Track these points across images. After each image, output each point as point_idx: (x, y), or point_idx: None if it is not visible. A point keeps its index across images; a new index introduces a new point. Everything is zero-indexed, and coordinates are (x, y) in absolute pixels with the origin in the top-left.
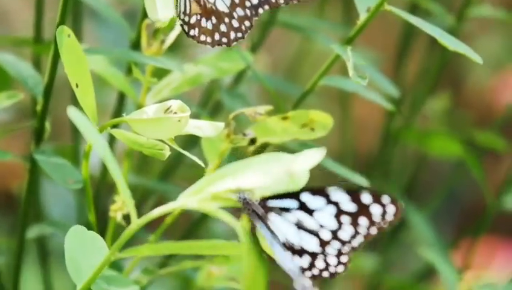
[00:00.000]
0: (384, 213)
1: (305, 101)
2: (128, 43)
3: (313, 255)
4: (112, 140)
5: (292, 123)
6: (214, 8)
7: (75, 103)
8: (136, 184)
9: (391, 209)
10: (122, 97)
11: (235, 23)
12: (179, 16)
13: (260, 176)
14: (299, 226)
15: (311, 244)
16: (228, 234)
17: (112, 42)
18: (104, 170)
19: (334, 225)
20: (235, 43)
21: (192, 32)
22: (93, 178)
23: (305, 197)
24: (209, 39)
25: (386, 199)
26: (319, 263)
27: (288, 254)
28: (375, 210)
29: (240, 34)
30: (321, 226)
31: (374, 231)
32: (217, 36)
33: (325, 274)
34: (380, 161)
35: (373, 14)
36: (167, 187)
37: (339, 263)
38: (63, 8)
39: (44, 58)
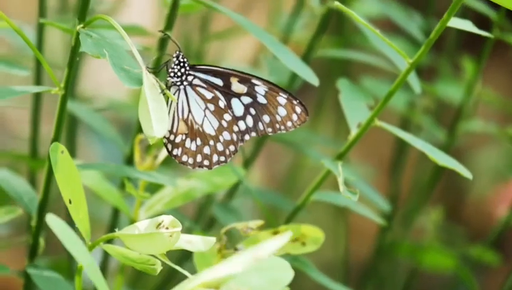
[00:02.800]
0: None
1: (299, 212)
2: (122, 157)
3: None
4: (105, 255)
5: None
6: (200, 129)
7: (69, 216)
8: None
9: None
10: (116, 212)
11: (220, 147)
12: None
13: (231, 266)
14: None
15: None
16: None
17: (106, 156)
18: None
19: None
20: (216, 166)
21: (175, 152)
22: None
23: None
24: (190, 160)
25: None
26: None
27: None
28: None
29: (223, 158)
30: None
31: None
32: (199, 158)
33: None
34: (373, 273)
35: (364, 129)
36: None
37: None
38: (57, 124)
39: (40, 174)
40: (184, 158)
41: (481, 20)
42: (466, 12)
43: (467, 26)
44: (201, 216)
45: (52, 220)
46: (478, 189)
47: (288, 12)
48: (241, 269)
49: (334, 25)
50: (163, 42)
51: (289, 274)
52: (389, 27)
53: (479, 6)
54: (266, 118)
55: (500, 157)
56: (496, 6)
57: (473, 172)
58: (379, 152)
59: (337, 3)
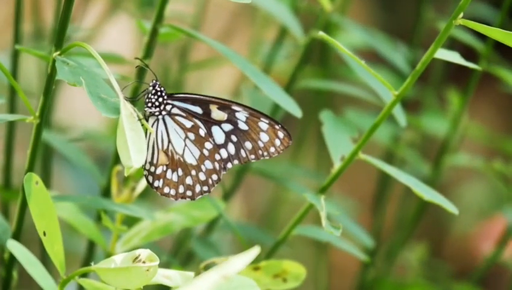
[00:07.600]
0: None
1: (279, 247)
2: (98, 188)
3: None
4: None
5: (264, 273)
6: (181, 159)
7: (44, 249)
8: None
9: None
10: (91, 245)
11: (202, 176)
12: (144, 165)
13: (200, 284)
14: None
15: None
16: None
17: (82, 187)
18: None
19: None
20: (200, 196)
21: (156, 184)
22: None
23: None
24: (172, 191)
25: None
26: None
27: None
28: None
29: (205, 188)
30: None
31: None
32: (181, 189)
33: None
34: None
35: (347, 163)
36: None
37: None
38: (32, 154)
39: (13, 204)
40: (166, 190)
41: (467, 52)
42: (452, 44)
43: (455, 58)
44: (179, 250)
45: (14, 246)
46: (461, 225)
47: (269, 43)
48: (209, 288)
49: (317, 56)
50: (141, 71)
51: None
52: (373, 58)
53: (466, 37)
54: (248, 145)
55: (483, 193)
56: (483, 38)
57: (456, 208)
58: (361, 187)
59: (321, 33)
